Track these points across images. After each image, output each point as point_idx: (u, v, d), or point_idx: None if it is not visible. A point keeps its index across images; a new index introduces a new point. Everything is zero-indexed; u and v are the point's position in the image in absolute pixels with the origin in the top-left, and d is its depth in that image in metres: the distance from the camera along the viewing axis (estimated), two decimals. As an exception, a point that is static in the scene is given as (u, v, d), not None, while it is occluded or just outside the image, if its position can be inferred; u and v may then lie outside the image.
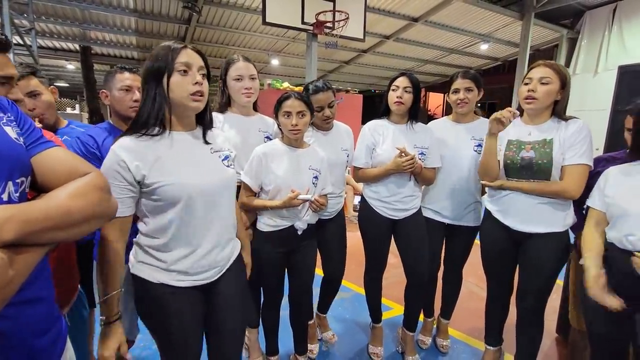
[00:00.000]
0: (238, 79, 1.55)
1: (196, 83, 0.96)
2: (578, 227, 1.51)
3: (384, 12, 7.33)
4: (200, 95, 0.98)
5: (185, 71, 0.95)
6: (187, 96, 0.96)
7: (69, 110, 10.54)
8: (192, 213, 0.98)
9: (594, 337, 1.30)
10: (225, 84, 1.59)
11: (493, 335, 1.77)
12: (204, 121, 1.08)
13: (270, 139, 1.65)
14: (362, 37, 5.49)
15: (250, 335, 1.83)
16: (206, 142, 1.07)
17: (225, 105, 1.63)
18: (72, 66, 10.70)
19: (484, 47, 9.59)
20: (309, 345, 1.85)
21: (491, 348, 1.78)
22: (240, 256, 1.19)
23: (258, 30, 7.99)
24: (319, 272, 1.74)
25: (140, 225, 1.01)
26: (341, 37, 5.17)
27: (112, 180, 0.90)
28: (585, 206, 1.47)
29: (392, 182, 1.69)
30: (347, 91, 5.73)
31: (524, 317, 1.56)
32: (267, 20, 4.73)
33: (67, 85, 13.87)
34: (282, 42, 8.84)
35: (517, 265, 1.59)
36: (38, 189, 0.64)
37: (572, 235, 1.56)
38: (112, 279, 0.92)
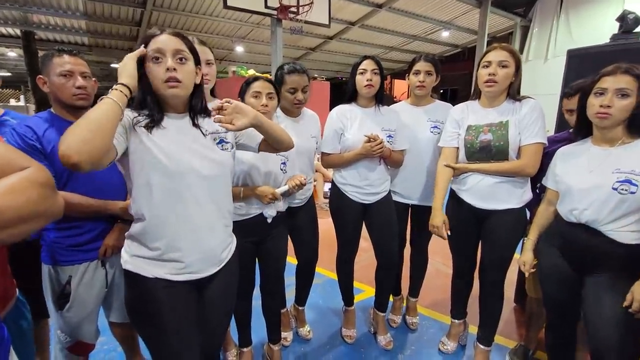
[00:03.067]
0: None
1: (168, 69, 0.93)
2: (533, 205, 1.62)
3: (349, -3, 7.27)
4: (176, 81, 0.94)
5: (157, 58, 0.93)
6: (162, 83, 0.94)
7: (12, 102, 9.63)
8: (180, 190, 0.96)
9: (548, 302, 1.41)
10: None
11: (458, 309, 1.87)
12: (192, 106, 1.05)
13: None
14: (327, 22, 5.44)
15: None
16: (195, 126, 1.04)
17: None
18: (13, 53, 9.73)
19: (445, 35, 9.86)
20: (282, 333, 1.86)
21: (456, 321, 1.89)
22: (235, 255, 1.17)
23: (220, 15, 7.65)
24: (291, 260, 1.74)
25: (131, 209, 0.99)
26: (306, 22, 5.09)
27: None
28: (538, 185, 1.59)
29: (362, 167, 1.71)
30: (315, 78, 5.68)
31: (486, 289, 1.67)
32: (228, 4, 4.54)
33: (9, 74, 12.62)
34: (246, 27, 8.55)
35: (480, 241, 1.68)
36: None
37: (528, 213, 1.68)
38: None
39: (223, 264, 1.10)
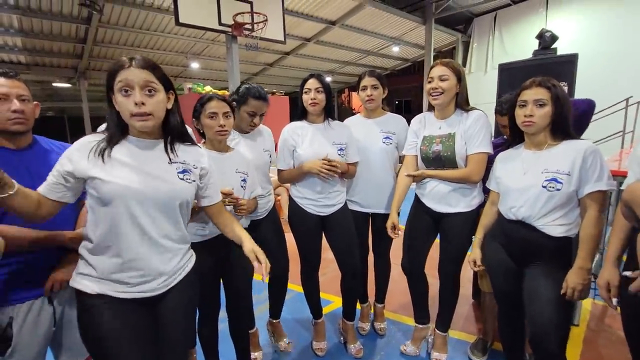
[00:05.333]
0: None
1: (136, 104, 0.94)
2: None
3: (303, 15, 7.50)
4: (144, 115, 0.96)
5: (125, 90, 0.95)
6: (130, 117, 0.96)
7: None
8: (126, 216, 0.97)
9: (497, 294, 1.54)
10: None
11: (420, 311, 1.94)
12: (170, 132, 1.07)
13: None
14: (282, 39, 5.54)
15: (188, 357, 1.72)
16: (166, 152, 1.06)
17: None
18: None
19: (395, 50, 10.46)
20: (252, 353, 1.82)
21: (420, 326, 1.95)
22: (191, 273, 1.15)
23: (172, 32, 7.51)
24: (257, 277, 1.72)
25: (85, 228, 1.01)
26: (262, 39, 5.15)
27: (56, 168, 0.97)
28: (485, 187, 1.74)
29: (315, 181, 1.76)
30: (273, 93, 5.73)
31: (442, 281, 1.82)
32: (180, 21, 4.48)
33: None
34: (201, 44, 8.46)
35: (433, 241, 1.80)
36: None
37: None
38: None
39: (174, 283, 1.09)
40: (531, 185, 1.29)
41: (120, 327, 0.98)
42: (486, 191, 1.63)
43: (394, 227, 1.74)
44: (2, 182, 0.84)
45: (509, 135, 1.49)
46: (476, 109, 1.65)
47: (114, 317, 0.98)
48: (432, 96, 1.61)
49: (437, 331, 1.88)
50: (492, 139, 1.75)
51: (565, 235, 1.27)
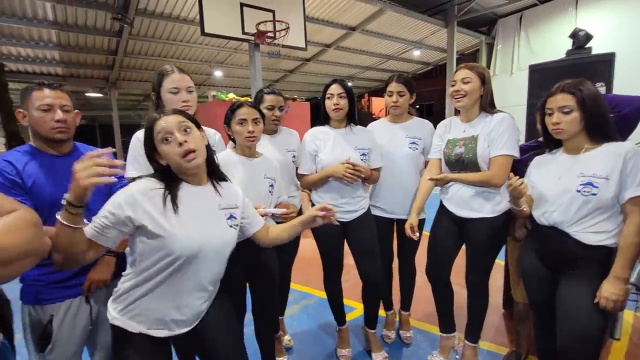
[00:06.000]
0: (174, 92, 1.47)
1: (180, 144, 0.98)
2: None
3: (323, 22, 7.57)
4: (192, 152, 0.99)
5: (166, 139, 0.99)
6: (180, 159, 0.99)
7: (-21, 135, 9.23)
8: (188, 269, 1.00)
9: (532, 302, 1.48)
10: (159, 97, 1.47)
11: (445, 320, 1.87)
12: (213, 175, 1.13)
13: (213, 151, 1.62)
14: (304, 46, 5.60)
15: None
16: (217, 192, 1.11)
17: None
18: (-20, 86, 9.43)
19: (416, 53, 10.35)
20: (277, 359, 1.82)
21: (445, 335, 1.88)
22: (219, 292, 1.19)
23: (197, 42, 7.77)
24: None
25: (128, 271, 1.03)
26: (284, 46, 5.23)
27: (111, 211, 0.93)
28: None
29: (338, 186, 1.75)
30: (294, 99, 5.79)
31: (470, 289, 1.76)
32: (206, 31, 4.62)
33: (-26, 107, 12.16)
34: (224, 53, 8.69)
35: (460, 248, 1.74)
36: None
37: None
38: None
39: (204, 314, 1.12)
40: (565, 189, 1.23)
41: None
42: None
43: (412, 229, 1.69)
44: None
45: (543, 139, 1.44)
46: (501, 111, 1.60)
47: (155, 355, 1.03)
48: (455, 99, 1.61)
49: (467, 342, 1.81)
50: (525, 141, 1.69)
51: (602, 245, 1.20)
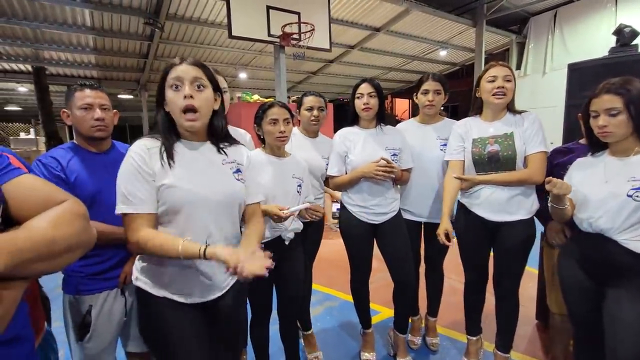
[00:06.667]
0: None
1: (185, 97, 0.96)
2: (547, 218, 1.61)
3: (348, 23, 7.54)
4: (193, 111, 0.97)
5: (176, 86, 0.97)
6: (179, 114, 0.97)
7: (22, 135, 9.86)
8: (193, 222, 0.98)
9: (572, 316, 1.38)
10: None
11: (473, 325, 1.84)
12: (214, 131, 1.08)
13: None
14: (328, 47, 5.60)
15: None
16: (219, 152, 1.08)
17: None
18: (24, 88, 10.10)
19: (442, 54, 10.11)
20: (311, 354, 1.85)
21: (472, 338, 1.85)
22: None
23: (224, 45, 7.95)
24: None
25: None
26: (308, 48, 5.25)
27: (136, 175, 0.94)
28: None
29: (367, 187, 1.72)
30: (317, 101, 5.80)
31: (501, 298, 1.69)
32: (233, 34, 4.71)
33: (19, 108, 13.02)
34: (249, 55, 8.84)
35: (491, 253, 1.69)
36: (8, 219, 0.60)
37: (542, 227, 1.67)
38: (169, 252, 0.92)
39: (228, 287, 1.10)
40: (614, 194, 1.15)
41: (182, 327, 1.01)
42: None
43: (447, 236, 1.60)
44: None
45: (587, 142, 1.36)
46: (526, 111, 1.60)
47: (177, 318, 1.01)
48: (496, 96, 1.54)
49: (498, 352, 1.74)
50: (562, 144, 1.61)
51: None
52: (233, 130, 1.70)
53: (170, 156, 0.97)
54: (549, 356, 1.82)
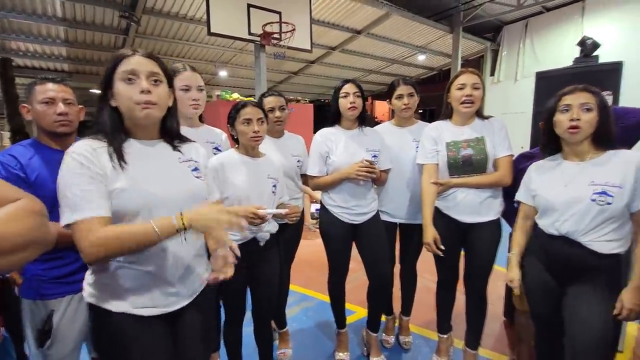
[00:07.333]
0: (185, 90, 1.49)
1: (142, 91, 0.88)
2: (513, 219, 1.69)
3: (329, 24, 7.58)
4: (151, 104, 0.90)
5: (129, 79, 0.88)
6: (134, 105, 0.88)
7: (-16, 129, 9.29)
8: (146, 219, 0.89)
9: (535, 316, 1.44)
10: None
11: (444, 323, 1.90)
12: (168, 129, 1.01)
13: (220, 150, 1.62)
14: (309, 48, 5.61)
15: (211, 360, 1.73)
16: (174, 150, 1.01)
17: None
18: (-13, 80, 9.50)
19: (421, 58, 10.34)
20: (282, 350, 1.86)
21: (443, 336, 1.91)
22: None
23: (203, 41, 7.79)
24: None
25: None
26: (289, 48, 5.24)
27: (80, 176, 0.82)
28: (515, 199, 1.67)
29: (349, 188, 1.74)
30: (298, 101, 5.79)
31: (471, 296, 1.75)
32: (212, 31, 4.64)
33: (-19, 101, 12.25)
34: (230, 53, 8.71)
35: (461, 253, 1.75)
36: None
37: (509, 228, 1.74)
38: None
39: (196, 295, 1.04)
40: (577, 198, 1.21)
41: (146, 344, 0.93)
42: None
43: (434, 243, 1.61)
44: None
45: (542, 142, 1.40)
46: (492, 116, 1.68)
47: (140, 335, 0.91)
48: (464, 104, 1.58)
49: (467, 349, 1.80)
50: (529, 148, 1.69)
51: (615, 252, 1.18)
52: (208, 129, 1.68)
53: (121, 156, 0.88)
54: (514, 352, 1.89)
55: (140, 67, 0.90)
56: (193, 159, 1.04)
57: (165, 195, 0.92)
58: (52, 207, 1.14)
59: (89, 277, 0.95)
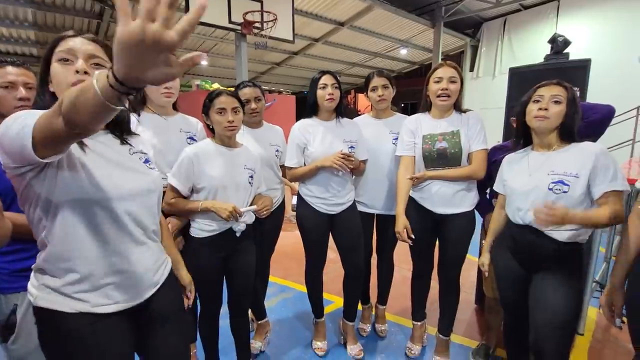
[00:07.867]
0: None
1: (77, 71, 0.79)
2: (487, 210, 1.75)
3: (312, 15, 7.49)
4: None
5: (65, 59, 0.80)
6: (66, 89, 0.78)
7: (-56, 117, 8.70)
8: (106, 218, 0.82)
9: (504, 302, 1.51)
10: None
11: (418, 311, 1.96)
12: (119, 122, 0.93)
13: (195, 140, 1.59)
14: (291, 38, 5.54)
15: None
16: (124, 142, 0.93)
17: (140, 103, 1.51)
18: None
19: (403, 52, 10.42)
20: (256, 342, 1.87)
21: (417, 323, 1.97)
22: (172, 274, 1.06)
23: (182, 29, 7.55)
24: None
25: (43, 240, 0.82)
26: (271, 37, 5.15)
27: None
28: (488, 190, 1.74)
29: (325, 179, 1.75)
30: (280, 92, 5.72)
31: (444, 284, 1.81)
32: (190, 18, 4.49)
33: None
34: (210, 42, 8.49)
35: (436, 243, 1.81)
36: None
37: (481, 218, 1.81)
38: None
39: (159, 285, 0.97)
40: (536, 186, 1.26)
41: (109, 347, 0.85)
42: (491, 195, 1.62)
43: (405, 231, 1.65)
44: None
45: (515, 134, 1.46)
46: (471, 110, 1.70)
47: (100, 336, 0.83)
48: (440, 98, 1.61)
49: (440, 335, 1.87)
50: (502, 141, 1.74)
51: (574, 241, 1.25)
52: (183, 117, 1.64)
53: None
54: (484, 337, 1.98)
55: (79, 47, 0.81)
56: (142, 150, 0.98)
57: (120, 190, 0.85)
58: (14, 199, 1.10)
59: (34, 280, 0.85)
